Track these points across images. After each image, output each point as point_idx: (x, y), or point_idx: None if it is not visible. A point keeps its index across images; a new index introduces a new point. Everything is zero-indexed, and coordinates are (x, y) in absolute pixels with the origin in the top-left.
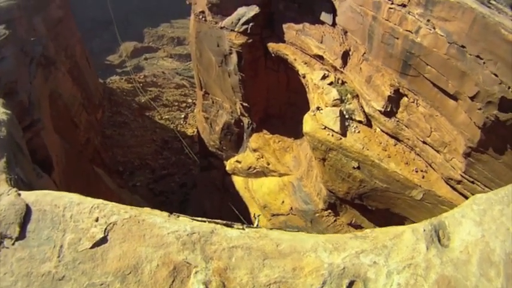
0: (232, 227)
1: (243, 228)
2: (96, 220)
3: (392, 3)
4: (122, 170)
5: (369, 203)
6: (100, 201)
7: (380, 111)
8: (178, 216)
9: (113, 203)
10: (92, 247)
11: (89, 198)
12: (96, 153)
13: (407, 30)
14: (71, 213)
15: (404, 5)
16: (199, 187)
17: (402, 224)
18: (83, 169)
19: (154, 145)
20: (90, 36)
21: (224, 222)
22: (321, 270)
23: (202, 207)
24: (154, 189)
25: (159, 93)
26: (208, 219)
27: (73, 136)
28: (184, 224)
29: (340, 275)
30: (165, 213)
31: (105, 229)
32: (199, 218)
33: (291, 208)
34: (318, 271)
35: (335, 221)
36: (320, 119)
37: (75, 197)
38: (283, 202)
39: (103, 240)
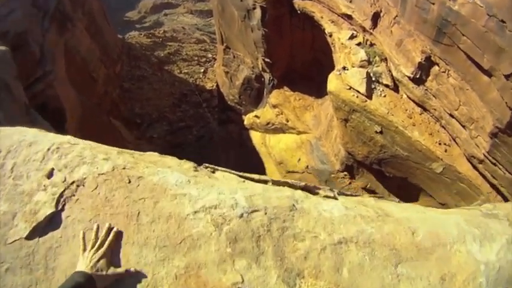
0: (317, 193)
1: (334, 197)
2: (49, 176)
3: None
4: (139, 122)
5: (388, 169)
6: (67, 138)
7: (409, 77)
8: (213, 171)
9: (88, 142)
10: (30, 236)
11: (51, 135)
12: (114, 105)
13: None
14: (14, 161)
15: None
16: (216, 140)
17: (417, 195)
18: (99, 121)
19: (172, 98)
20: None
21: (301, 184)
22: (478, 277)
23: (218, 161)
24: (172, 141)
25: (179, 48)
26: (273, 179)
27: (91, 90)
28: (230, 189)
29: (496, 281)
30: (188, 164)
31: (60, 196)
32: (253, 175)
33: (307, 166)
34: (475, 278)
35: (350, 183)
36: (345, 79)
37: (31, 134)
38: (299, 160)
39: (52, 222)
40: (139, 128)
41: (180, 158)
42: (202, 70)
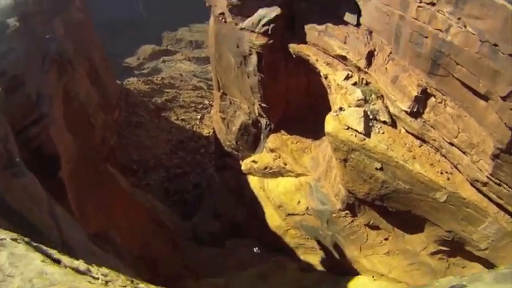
0: None
1: None
2: None
3: (420, 2)
4: (136, 169)
5: (390, 204)
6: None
7: (406, 111)
8: None
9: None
10: None
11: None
12: (111, 152)
13: (437, 29)
14: None
15: (433, 4)
16: (213, 187)
17: (422, 226)
18: (96, 168)
19: (169, 145)
20: (111, 39)
21: None
22: None
23: (215, 207)
24: (169, 188)
25: (176, 95)
26: None
27: (88, 135)
28: None
29: None
30: None
31: None
32: None
33: (307, 208)
34: None
35: (352, 221)
36: (343, 119)
37: None
38: (299, 202)
39: None
40: (135, 175)
41: (176, 206)
42: (199, 117)
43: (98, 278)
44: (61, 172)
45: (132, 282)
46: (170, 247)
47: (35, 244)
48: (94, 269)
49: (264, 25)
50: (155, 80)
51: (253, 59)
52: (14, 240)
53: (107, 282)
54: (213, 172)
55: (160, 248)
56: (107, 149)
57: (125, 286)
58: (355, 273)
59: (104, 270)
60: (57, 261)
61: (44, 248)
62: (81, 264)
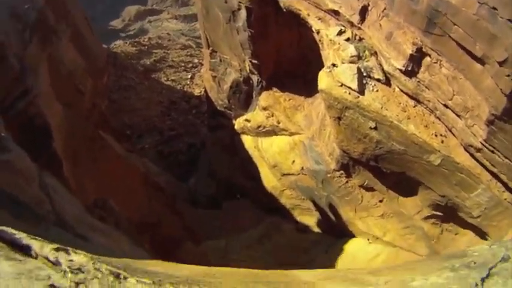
0: None
1: None
2: None
3: None
4: (129, 134)
5: (384, 165)
6: None
7: (400, 70)
8: None
9: None
10: None
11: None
12: (103, 118)
13: None
14: None
15: None
16: (208, 147)
17: (416, 189)
18: (88, 135)
19: (161, 107)
20: (91, 2)
21: None
22: None
23: (211, 167)
24: (163, 150)
25: (165, 55)
26: None
27: (78, 103)
28: None
29: None
30: None
31: None
32: None
33: (302, 168)
34: None
35: (347, 182)
36: (337, 75)
37: None
38: (293, 162)
39: None
40: (129, 140)
41: (172, 168)
42: (189, 76)
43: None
44: (54, 144)
45: (116, 277)
46: (168, 210)
47: None
48: (64, 261)
49: None
50: (142, 41)
51: (242, 14)
52: None
53: (76, 284)
54: (206, 132)
55: (159, 212)
56: (98, 115)
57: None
58: (351, 235)
59: (79, 260)
60: (25, 248)
61: (12, 232)
62: (50, 253)
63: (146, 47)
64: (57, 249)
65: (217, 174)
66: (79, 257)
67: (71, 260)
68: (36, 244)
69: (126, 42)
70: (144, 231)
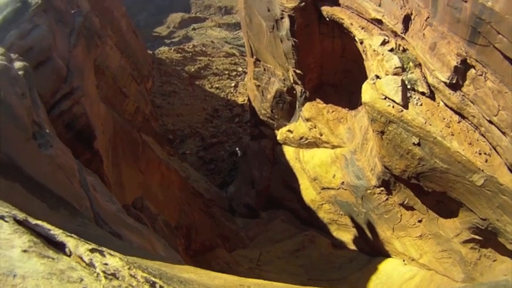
0: None
1: None
2: None
3: None
4: (171, 139)
5: (426, 183)
6: None
7: (445, 82)
8: None
9: None
10: None
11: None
12: (146, 121)
13: None
14: None
15: None
16: (249, 156)
17: (457, 210)
18: (131, 138)
19: (204, 113)
20: (136, 10)
21: None
22: None
23: (251, 176)
24: (204, 157)
25: (209, 62)
26: None
27: (122, 106)
28: None
29: None
30: None
31: None
32: None
33: (342, 182)
34: None
35: (387, 199)
36: (380, 87)
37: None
38: (334, 175)
39: None
40: (171, 144)
41: (212, 175)
42: (233, 84)
43: (98, 280)
44: (96, 143)
45: (152, 286)
46: (205, 216)
47: (34, 222)
48: (99, 264)
49: None
50: (187, 48)
51: (286, 22)
52: (1, 218)
53: None
54: (248, 141)
55: (195, 217)
56: (141, 118)
57: None
58: (387, 254)
59: (114, 264)
60: (60, 245)
61: (47, 227)
62: (85, 253)
63: (190, 54)
64: (92, 250)
65: (257, 183)
66: (114, 260)
67: (105, 264)
68: (71, 242)
69: (171, 49)
70: (179, 234)
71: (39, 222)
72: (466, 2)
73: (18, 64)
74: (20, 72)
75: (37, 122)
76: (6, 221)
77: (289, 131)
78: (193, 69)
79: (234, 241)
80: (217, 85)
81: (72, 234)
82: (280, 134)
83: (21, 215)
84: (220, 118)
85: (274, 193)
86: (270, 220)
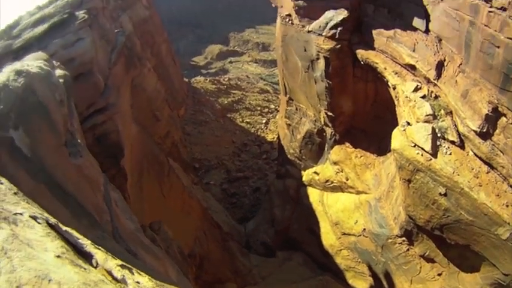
0: None
1: None
2: None
3: (491, 6)
4: (197, 167)
5: (449, 236)
6: None
7: (475, 131)
8: None
9: None
10: None
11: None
12: (174, 147)
13: (509, 38)
14: None
15: (504, 9)
16: (272, 194)
17: (479, 264)
18: (158, 161)
19: (233, 147)
20: (176, 37)
21: None
22: None
23: (272, 215)
24: (227, 189)
25: (242, 97)
26: None
27: (153, 128)
28: None
29: None
30: None
31: None
32: None
33: (364, 229)
34: None
35: (407, 250)
36: (410, 135)
37: None
38: (356, 222)
39: None
40: (196, 173)
41: (233, 209)
42: (264, 121)
43: None
44: (123, 160)
45: None
46: (220, 249)
47: (64, 228)
48: (131, 282)
49: (331, 28)
50: (222, 80)
51: (321, 63)
52: (33, 218)
53: None
54: (273, 179)
55: (210, 248)
56: (170, 143)
57: None
58: None
59: (145, 284)
60: (87, 255)
61: (76, 236)
62: (116, 269)
63: (225, 87)
64: (122, 267)
65: (277, 223)
66: (144, 280)
67: (137, 282)
68: (99, 255)
69: (207, 79)
70: (191, 262)
71: (69, 230)
72: (498, 47)
73: (59, 72)
74: (60, 80)
75: (70, 131)
76: (39, 223)
77: (315, 172)
78: (226, 102)
79: (245, 278)
80: (248, 120)
81: (100, 247)
82: (306, 175)
83: (52, 219)
84: (248, 153)
85: (293, 234)
86: (285, 261)
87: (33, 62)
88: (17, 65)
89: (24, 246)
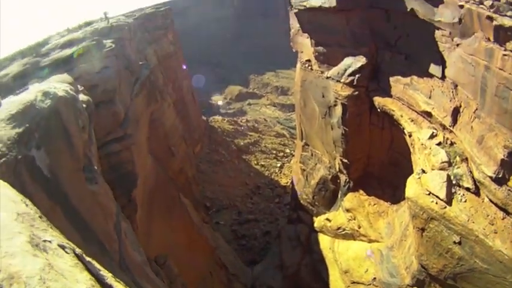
0: None
1: None
2: None
3: (505, 49)
4: (208, 206)
5: (463, 285)
6: None
7: (491, 177)
8: None
9: None
10: None
11: None
12: (187, 184)
13: None
14: None
15: None
16: (282, 238)
17: None
18: (170, 195)
19: (246, 188)
20: (198, 75)
21: None
22: None
23: (281, 260)
24: (237, 231)
25: (259, 139)
26: None
27: (168, 163)
28: None
29: None
30: None
31: None
32: None
33: (374, 278)
34: None
35: None
36: (425, 183)
37: None
38: (367, 270)
39: None
40: (207, 212)
41: (242, 251)
42: (279, 165)
43: None
44: (135, 191)
45: None
46: None
47: (87, 259)
48: None
49: (349, 75)
50: (240, 121)
51: (338, 110)
52: (62, 247)
53: None
54: (284, 224)
55: None
56: (183, 179)
57: None
58: None
59: None
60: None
61: (97, 267)
62: None
63: (242, 128)
64: None
65: (285, 268)
66: None
67: None
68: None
69: (224, 119)
70: None
71: (91, 260)
72: None
73: (83, 97)
74: (83, 105)
75: (88, 156)
76: (67, 252)
77: (327, 219)
78: (242, 143)
79: None
80: (263, 163)
81: (120, 280)
82: (318, 221)
83: (78, 250)
84: (261, 196)
85: (301, 280)
86: None
87: (60, 85)
88: (45, 86)
89: (60, 276)
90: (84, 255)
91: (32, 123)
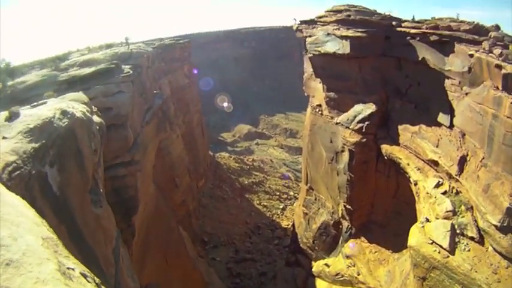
0: None
1: None
2: None
3: None
4: (206, 241)
5: None
6: None
7: (496, 225)
8: None
9: None
10: None
11: None
12: (187, 216)
13: None
14: None
15: None
16: (278, 280)
17: None
18: (169, 226)
19: (245, 227)
20: (209, 110)
21: None
22: None
23: None
24: (233, 269)
25: (263, 179)
26: None
27: (171, 194)
28: None
29: None
30: None
31: None
32: None
33: None
34: None
35: None
36: (429, 232)
37: None
38: None
39: None
40: (204, 246)
41: None
42: (281, 206)
43: None
44: (135, 217)
45: None
46: None
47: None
48: None
49: (358, 122)
50: (246, 160)
51: (345, 156)
52: (83, 276)
53: None
54: (282, 266)
55: None
56: (184, 212)
57: None
58: None
59: None
60: None
61: None
62: None
63: (248, 167)
64: None
65: None
66: None
67: None
68: None
69: (231, 157)
70: None
71: None
72: None
73: (96, 119)
74: (96, 127)
75: (95, 179)
76: (89, 281)
77: (326, 264)
78: (246, 182)
79: None
80: (265, 203)
81: None
82: (317, 266)
83: (97, 279)
84: (260, 236)
85: None
86: None
87: (78, 106)
88: (63, 104)
89: None
90: (102, 285)
91: (49, 140)
